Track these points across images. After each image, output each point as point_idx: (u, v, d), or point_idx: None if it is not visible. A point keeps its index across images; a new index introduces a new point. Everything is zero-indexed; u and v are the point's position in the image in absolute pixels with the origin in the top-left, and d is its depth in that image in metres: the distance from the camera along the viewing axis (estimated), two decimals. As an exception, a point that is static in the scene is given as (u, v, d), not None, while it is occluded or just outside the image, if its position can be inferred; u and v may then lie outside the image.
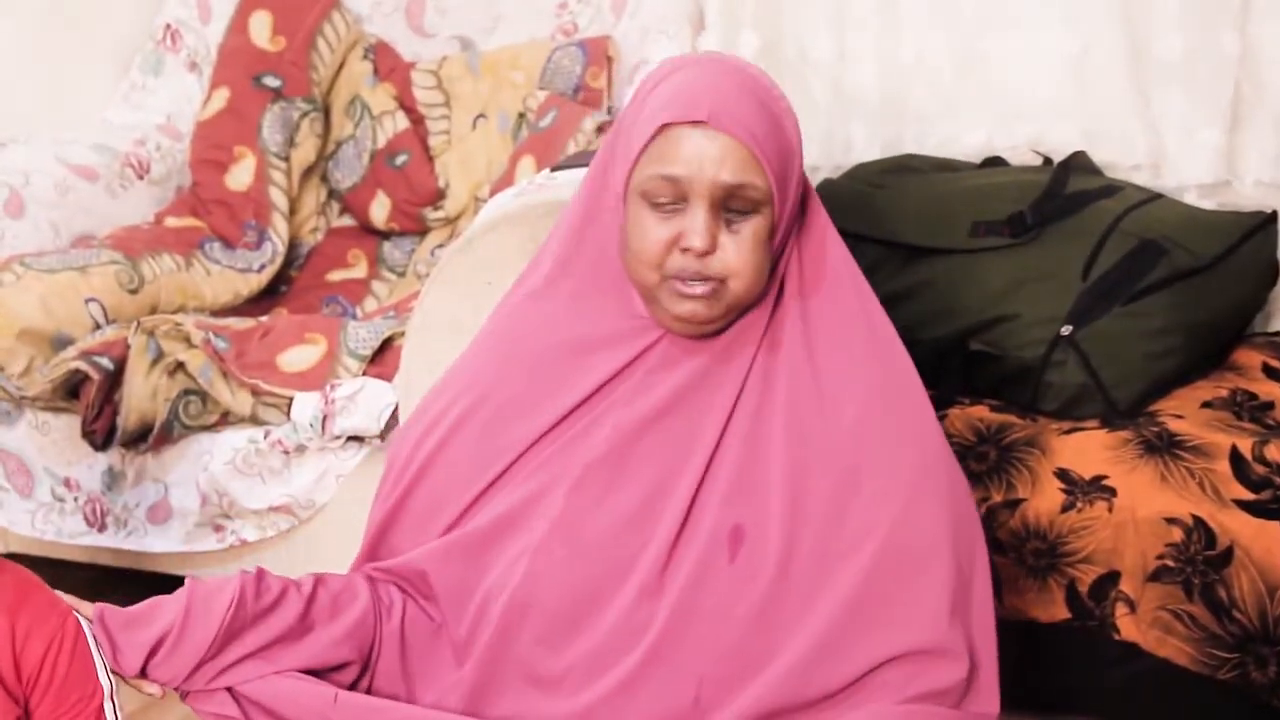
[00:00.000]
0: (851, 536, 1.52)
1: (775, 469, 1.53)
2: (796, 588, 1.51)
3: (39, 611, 1.47)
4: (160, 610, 1.51)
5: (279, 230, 2.70)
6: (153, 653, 1.49)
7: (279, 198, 2.71)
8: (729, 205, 1.49)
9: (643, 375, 1.57)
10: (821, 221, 1.61)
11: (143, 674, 1.50)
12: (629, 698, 1.50)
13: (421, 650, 1.61)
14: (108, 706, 1.48)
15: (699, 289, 1.50)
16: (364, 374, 2.17)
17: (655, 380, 1.56)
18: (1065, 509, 1.98)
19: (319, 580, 1.60)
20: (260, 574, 1.55)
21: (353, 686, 1.58)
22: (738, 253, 1.49)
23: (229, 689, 1.52)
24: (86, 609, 1.50)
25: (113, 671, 1.49)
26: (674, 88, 1.52)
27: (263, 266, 2.67)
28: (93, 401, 2.19)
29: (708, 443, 1.54)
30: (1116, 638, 1.96)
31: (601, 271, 1.60)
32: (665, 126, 1.49)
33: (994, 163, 2.55)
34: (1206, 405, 2.10)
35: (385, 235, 2.81)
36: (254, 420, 2.21)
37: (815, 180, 2.61)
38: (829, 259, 1.60)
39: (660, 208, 1.50)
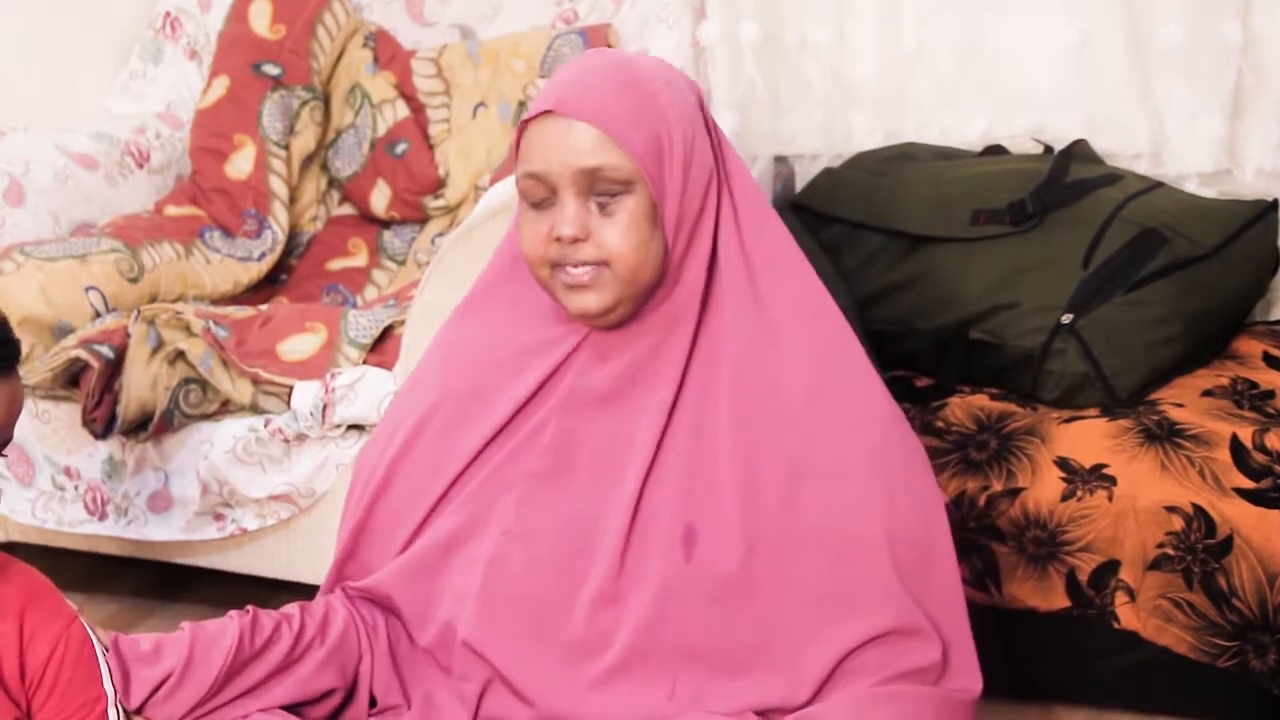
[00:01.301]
0: (807, 526, 1.51)
1: (723, 463, 1.52)
2: (758, 582, 1.50)
3: (45, 614, 1.46)
4: (164, 650, 1.51)
5: (279, 219, 2.70)
6: (154, 691, 1.49)
7: (279, 186, 2.71)
8: (596, 189, 1.49)
9: (576, 375, 1.57)
10: (758, 202, 1.60)
11: (139, 710, 1.50)
12: (608, 700, 1.50)
13: (411, 663, 1.62)
14: (111, 714, 1.46)
15: (582, 275, 1.50)
16: (364, 362, 2.17)
17: (588, 380, 1.56)
18: (1065, 498, 1.98)
19: (304, 609, 1.61)
20: (255, 617, 1.56)
21: (344, 706, 1.60)
22: (614, 235, 1.49)
23: None
24: (102, 635, 1.50)
25: (119, 701, 1.48)
26: (540, 90, 1.53)
27: (263, 255, 2.67)
28: (93, 390, 2.19)
29: (649, 440, 1.54)
30: (1116, 626, 1.96)
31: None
32: (523, 125, 1.51)
33: (995, 151, 2.55)
34: (1207, 394, 2.10)
35: (385, 224, 2.81)
36: (254, 409, 2.21)
37: (816, 169, 2.62)
38: (770, 242, 1.59)
39: (538, 206, 1.51)
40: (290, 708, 1.56)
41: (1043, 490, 1.99)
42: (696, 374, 1.55)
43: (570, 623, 1.52)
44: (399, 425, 1.64)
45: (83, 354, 2.20)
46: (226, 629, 1.53)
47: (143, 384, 2.19)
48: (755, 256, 1.57)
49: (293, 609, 1.60)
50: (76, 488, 2.30)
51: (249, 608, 1.58)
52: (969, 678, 1.55)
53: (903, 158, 2.50)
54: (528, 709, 1.53)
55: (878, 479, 1.53)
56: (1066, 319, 2.12)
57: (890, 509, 1.52)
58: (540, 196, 1.50)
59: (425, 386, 1.66)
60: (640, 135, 1.48)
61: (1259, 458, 1.96)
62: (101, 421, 2.21)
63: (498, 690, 1.55)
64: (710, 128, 1.57)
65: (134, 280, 2.43)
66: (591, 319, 1.53)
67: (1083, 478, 1.98)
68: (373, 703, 1.61)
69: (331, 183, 2.84)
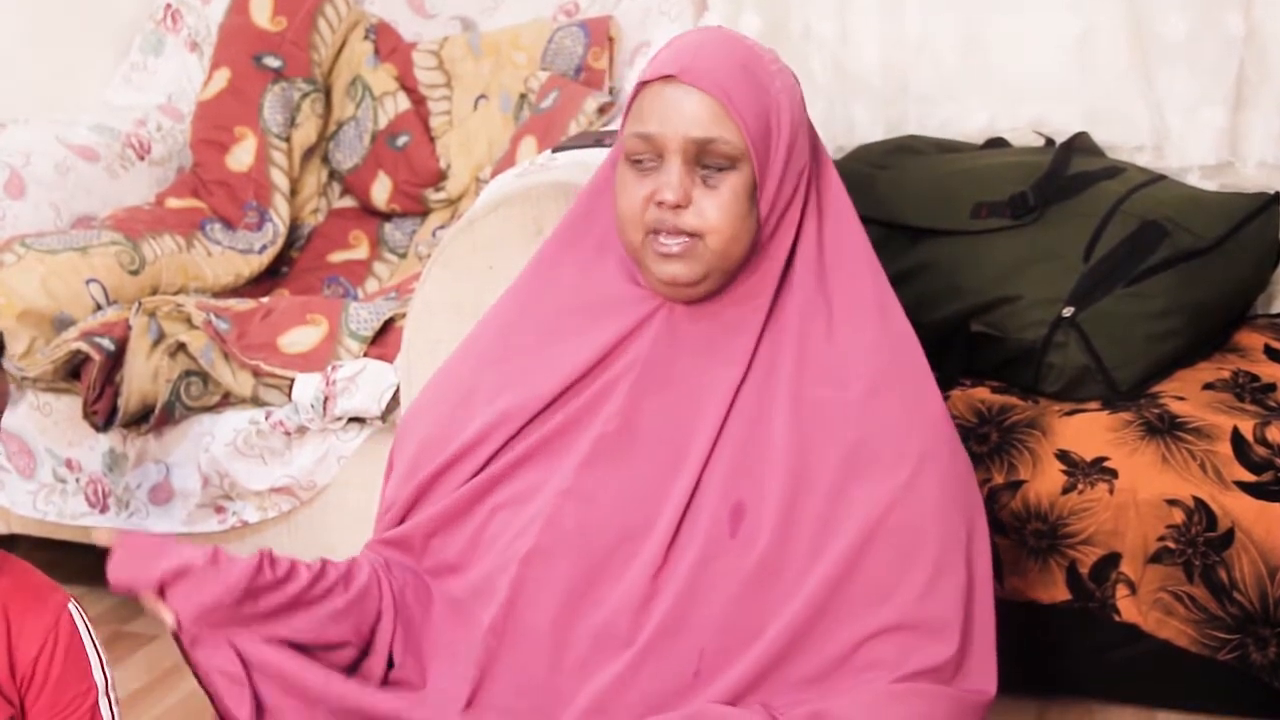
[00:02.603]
0: (852, 512, 1.52)
1: (777, 445, 1.54)
2: (793, 561, 1.52)
3: (32, 609, 1.45)
4: (185, 548, 1.49)
5: (280, 211, 2.70)
6: (179, 575, 1.46)
7: (280, 178, 2.71)
8: (704, 161, 1.51)
9: (648, 346, 1.58)
10: (843, 204, 1.63)
11: (161, 595, 1.47)
12: (635, 673, 1.51)
13: (429, 627, 1.61)
14: (102, 703, 1.47)
15: (674, 246, 1.52)
16: (365, 355, 2.17)
17: (660, 353, 1.58)
18: (1066, 490, 1.98)
19: (326, 560, 1.60)
20: (270, 552, 1.55)
21: (356, 665, 1.59)
22: (714, 208, 1.51)
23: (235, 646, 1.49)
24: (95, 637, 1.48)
25: (128, 590, 1.44)
26: (661, 53, 1.56)
27: (264, 247, 2.67)
28: (94, 382, 2.19)
29: (713, 420, 1.55)
30: (1117, 619, 1.96)
31: (607, 242, 1.62)
32: (642, 86, 1.53)
33: (996, 144, 2.54)
34: (1208, 387, 2.10)
35: (386, 216, 2.81)
36: (255, 401, 2.21)
37: (817, 161, 2.62)
38: (849, 243, 1.62)
39: (640, 166, 1.53)
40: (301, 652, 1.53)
41: (1044, 483, 1.99)
42: (763, 356, 1.57)
43: (616, 587, 1.53)
44: (461, 375, 1.65)
45: (84, 346, 2.20)
46: (246, 556, 1.51)
47: (144, 376, 2.19)
48: (830, 252, 1.60)
49: (315, 561, 1.59)
50: (78, 480, 2.30)
51: (264, 549, 1.55)
52: (985, 680, 1.55)
53: (904, 150, 2.50)
54: (555, 677, 1.52)
55: (927, 481, 1.54)
56: (1068, 312, 2.12)
57: (939, 511, 1.54)
58: (645, 157, 1.52)
59: (488, 339, 1.67)
60: (753, 114, 1.52)
61: (1260, 451, 1.96)
62: (103, 414, 2.21)
63: (522, 657, 1.54)
64: (809, 123, 1.60)
65: (135, 272, 2.43)
66: (679, 289, 1.55)
67: (1084, 470, 1.98)
68: (390, 664, 1.61)
69: (332, 175, 2.84)
